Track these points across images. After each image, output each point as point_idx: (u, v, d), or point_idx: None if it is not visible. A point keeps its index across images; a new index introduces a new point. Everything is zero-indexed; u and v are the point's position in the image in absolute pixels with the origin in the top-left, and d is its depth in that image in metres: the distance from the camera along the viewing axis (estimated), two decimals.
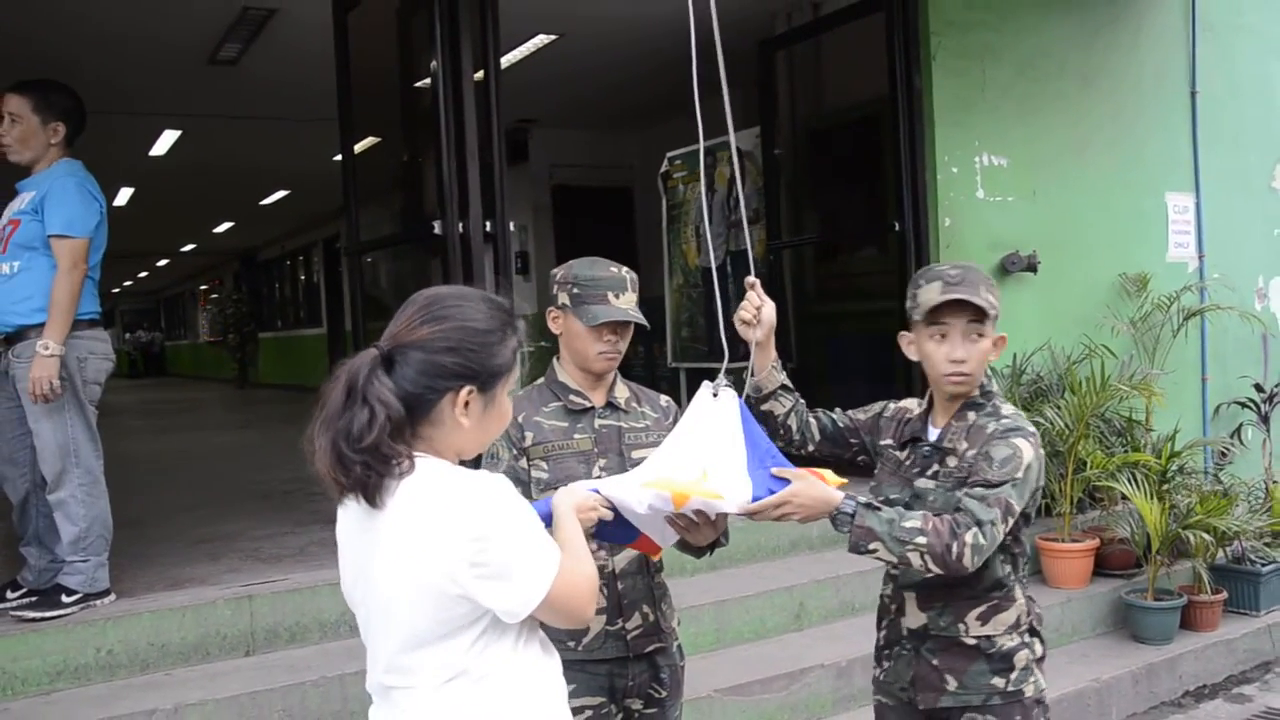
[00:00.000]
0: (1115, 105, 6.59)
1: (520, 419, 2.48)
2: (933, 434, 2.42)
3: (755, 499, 2.15)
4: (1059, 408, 5.50)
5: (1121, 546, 5.44)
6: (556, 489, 2.14)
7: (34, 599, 3.85)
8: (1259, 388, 6.78)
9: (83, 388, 3.88)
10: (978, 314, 2.31)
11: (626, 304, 2.49)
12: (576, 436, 2.52)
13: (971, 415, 2.37)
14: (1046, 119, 6.28)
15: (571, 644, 2.43)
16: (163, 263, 26.40)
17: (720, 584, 4.87)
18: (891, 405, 2.58)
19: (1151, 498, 5.21)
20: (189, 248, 21.11)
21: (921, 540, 2.14)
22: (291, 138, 10.32)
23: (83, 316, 3.90)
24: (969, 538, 2.15)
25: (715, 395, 2.25)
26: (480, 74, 4.62)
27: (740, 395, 2.31)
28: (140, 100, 8.52)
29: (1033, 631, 2.42)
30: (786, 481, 2.18)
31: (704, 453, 2.19)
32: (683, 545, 2.36)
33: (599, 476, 2.41)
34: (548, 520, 2.10)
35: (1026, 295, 6.05)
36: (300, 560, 4.67)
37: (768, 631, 4.72)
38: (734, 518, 2.28)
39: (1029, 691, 2.37)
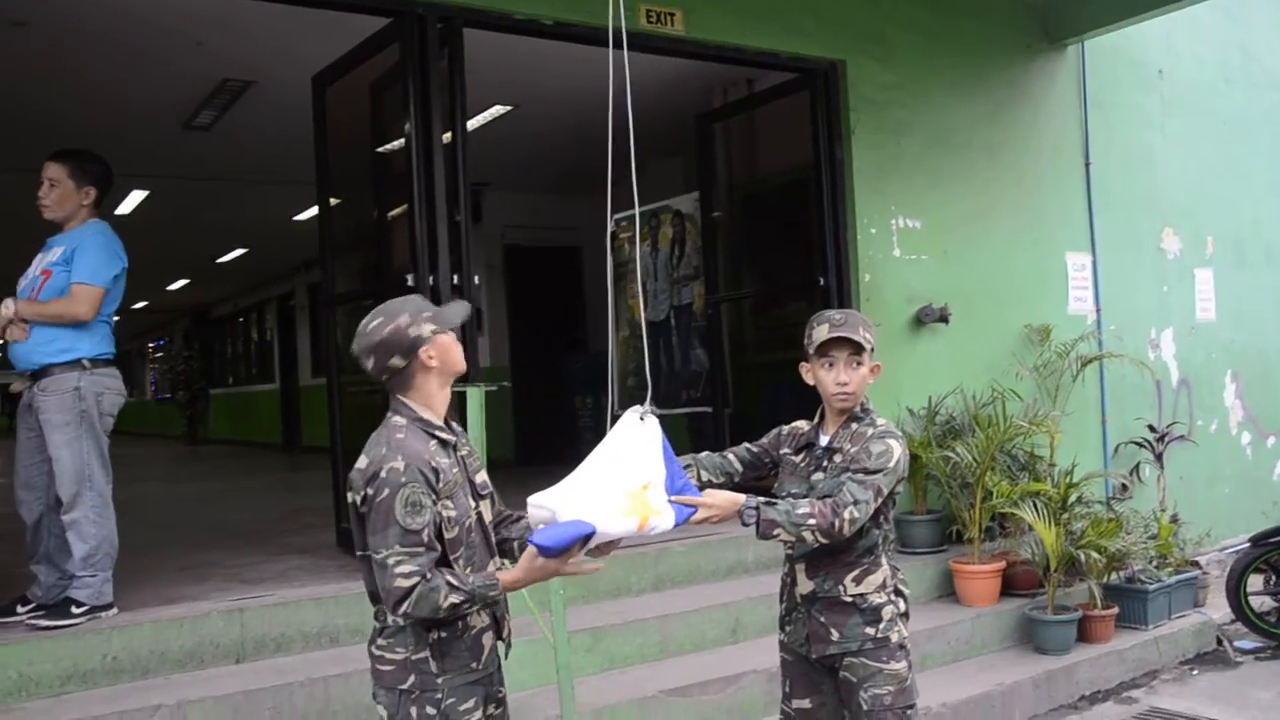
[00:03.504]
0: (1018, 174, 7.17)
1: (433, 463, 2.51)
2: (824, 440, 3.04)
3: (679, 520, 2.66)
4: (969, 444, 6.07)
5: (1025, 568, 5.97)
6: (463, 525, 2.52)
7: (44, 611, 4.25)
8: (1153, 429, 7.40)
9: (99, 419, 4.34)
10: (856, 348, 2.96)
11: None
12: (455, 470, 2.59)
13: (854, 425, 3.01)
14: (956, 186, 6.82)
15: (474, 664, 2.58)
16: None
17: (663, 602, 5.33)
18: (785, 427, 3.19)
19: (1051, 523, 5.77)
20: (140, 305, 21.25)
21: (811, 522, 2.76)
22: (254, 197, 10.72)
23: (100, 356, 4.38)
24: (847, 514, 2.78)
25: (642, 419, 2.71)
26: (449, 136, 5.06)
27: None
28: (115, 159, 8.83)
29: (897, 592, 3.02)
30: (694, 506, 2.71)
31: (642, 470, 2.65)
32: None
33: (475, 505, 2.62)
34: (557, 548, 2.55)
35: (940, 344, 6.60)
36: (282, 581, 5.05)
37: (707, 643, 5.15)
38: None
39: (894, 638, 2.97)
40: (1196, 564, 6.71)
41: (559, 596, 3.93)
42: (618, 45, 5.64)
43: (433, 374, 2.61)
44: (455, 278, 5.07)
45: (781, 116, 6.89)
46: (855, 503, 2.80)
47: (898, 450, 2.92)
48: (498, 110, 8.05)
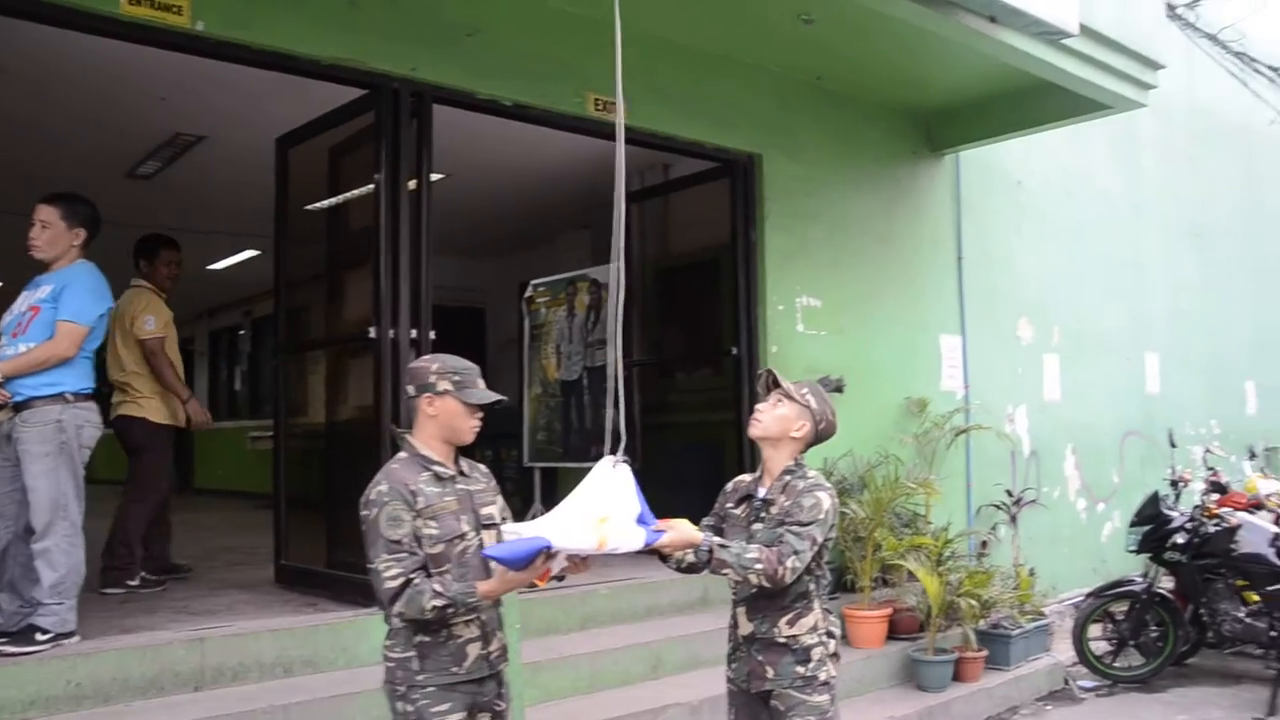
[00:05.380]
0: (903, 263, 7.57)
1: (412, 486, 2.83)
2: (761, 492, 3.20)
3: (648, 542, 2.82)
4: (861, 502, 6.35)
5: (909, 613, 6.23)
6: (449, 542, 2.82)
7: (7, 638, 4.06)
8: (1009, 493, 7.84)
9: (78, 451, 4.21)
10: (782, 392, 3.19)
11: (485, 388, 3.02)
12: (447, 499, 2.89)
13: (787, 478, 3.16)
14: (852, 271, 7.17)
15: (455, 669, 2.84)
16: None
17: (591, 640, 5.37)
18: (729, 484, 3.36)
19: (932, 574, 6.08)
20: None
21: (759, 566, 2.93)
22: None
23: (82, 391, 4.26)
24: (789, 562, 2.95)
25: (615, 466, 2.87)
26: (414, 183, 5.14)
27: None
28: None
29: (829, 634, 3.18)
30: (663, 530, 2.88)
31: (604, 505, 2.80)
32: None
33: (465, 530, 2.89)
34: (526, 559, 2.68)
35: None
36: (234, 614, 4.91)
37: (632, 679, 5.22)
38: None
39: (821, 675, 3.13)
40: (1043, 614, 7.10)
41: (515, 631, 3.98)
42: (574, 130, 5.85)
43: (431, 423, 2.95)
44: (414, 332, 5.11)
45: (699, 199, 7.16)
46: (796, 553, 2.97)
47: (826, 502, 3.09)
48: (435, 177, 8.10)
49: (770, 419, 3.19)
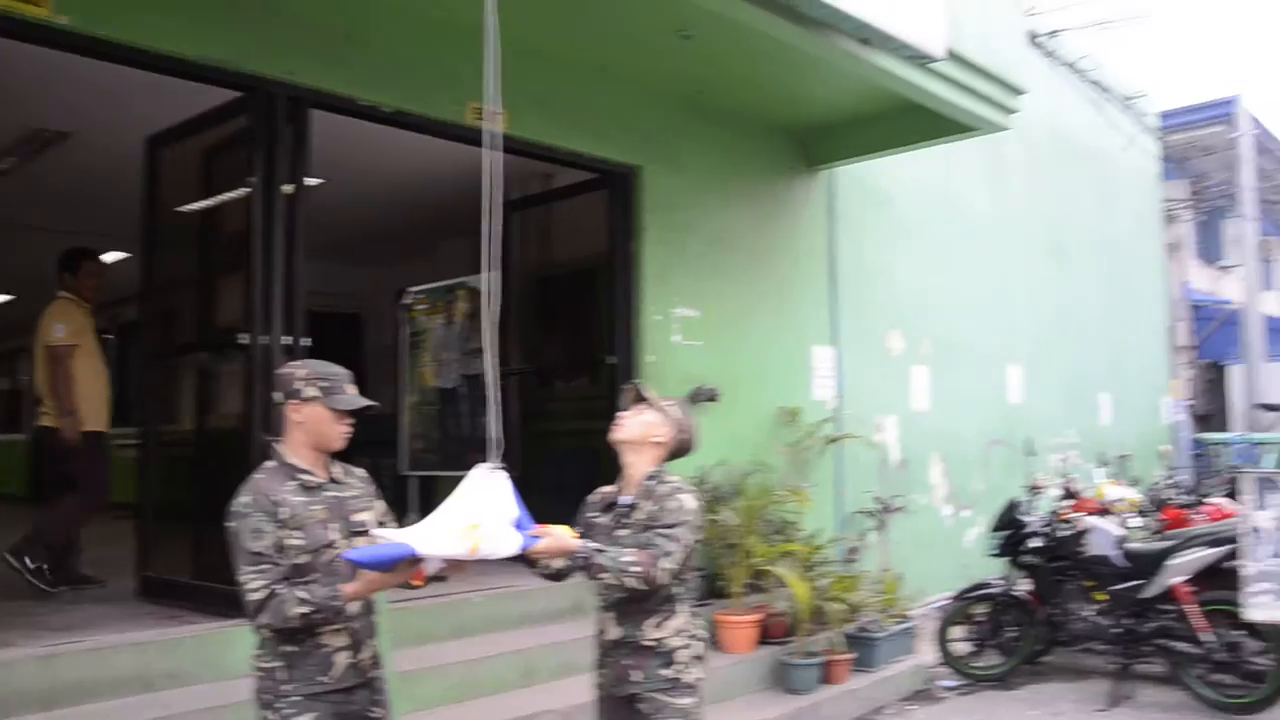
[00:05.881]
0: (779, 276, 7.77)
1: (274, 497, 2.83)
2: (625, 499, 3.30)
3: (524, 547, 2.89)
4: (733, 509, 6.50)
5: (780, 618, 6.41)
6: (316, 552, 2.82)
7: None
8: (879, 500, 8.10)
9: None
10: (642, 400, 3.33)
11: (355, 394, 3.06)
12: (314, 508, 2.88)
13: (650, 483, 3.26)
14: (728, 283, 7.32)
15: (322, 678, 2.85)
16: None
17: (464, 649, 5.39)
18: (589, 497, 3.46)
19: (802, 579, 6.27)
20: None
21: (636, 569, 3.02)
22: (29, 245, 10.03)
23: None
24: (663, 563, 3.05)
25: (491, 473, 2.93)
26: (290, 187, 5.10)
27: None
28: None
29: (695, 637, 3.28)
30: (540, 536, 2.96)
31: (478, 512, 2.85)
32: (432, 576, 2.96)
33: (333, 539, 2.89)
34: (389, 564, 2.72)
35: (709, 420, 6.89)
36: (90, 629, 4.76)
37: (504, 687, 5.26)
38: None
39: (685, 678, 3.22)
40: (909, 616, 7.37)
41: (385, 638, 3.98)
42: (454, 139, 5.85)
43: (299, 430, 2.95)
44: (287, 338, 5.05)
45: (579, 210, 7.22)
46: (668, 554, 3.06)
47: (691, 503, 3.20)
48: (313, 181, 7.98)
49: (633, 423, 3.30)
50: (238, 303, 5.12)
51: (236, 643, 4.62)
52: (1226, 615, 6.05)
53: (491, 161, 3.16)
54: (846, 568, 7.03)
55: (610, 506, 3.34)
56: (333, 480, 3.00)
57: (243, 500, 2.84)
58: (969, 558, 9.20)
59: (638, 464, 3.29)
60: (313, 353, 5.14)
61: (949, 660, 7.10)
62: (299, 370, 2.98)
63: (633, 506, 3.25)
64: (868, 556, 7.50)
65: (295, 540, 2.82)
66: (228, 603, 4.60)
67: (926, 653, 7.17)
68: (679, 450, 3.36)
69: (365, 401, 3.01)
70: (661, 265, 6.86)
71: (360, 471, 3.14)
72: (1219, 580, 6.11)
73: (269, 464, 2.95)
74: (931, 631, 7.28)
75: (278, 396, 2.95)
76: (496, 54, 3.22)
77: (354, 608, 2.91)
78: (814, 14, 5.53)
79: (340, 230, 9.66)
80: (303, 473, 2.92)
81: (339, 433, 2.97)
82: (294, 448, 2.95)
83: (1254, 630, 6.05)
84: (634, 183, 6.80)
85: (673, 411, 3.33)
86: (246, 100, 5.05)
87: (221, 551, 4.86)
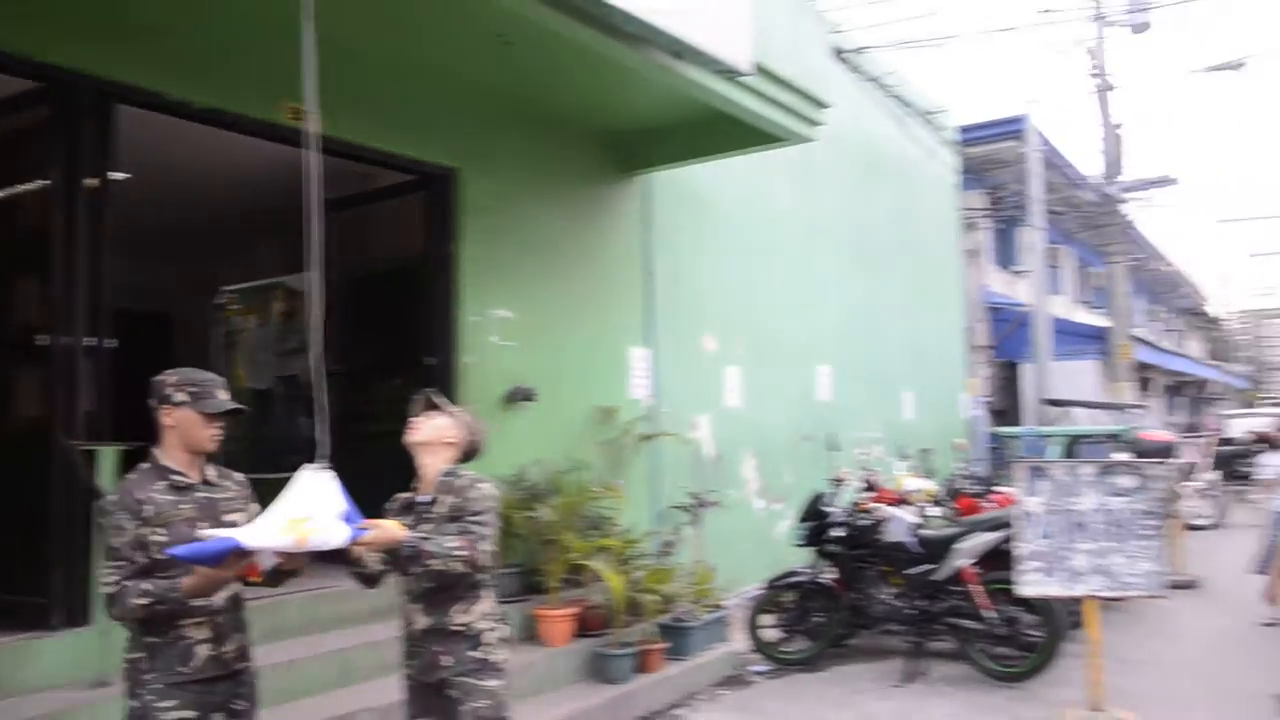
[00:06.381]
0: (597, 278, 7.99)
1: (139, 496, 3.00)
2: (424, 497, 3.53)
3: (352, 538, 3.05)
4: (551, 506, 6.69)
5: (597, 611, 6.62)
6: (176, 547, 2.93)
7: None
8: (693, 495, 8.42)
9: None
10: (434, 407, 3.59)
11: (226, 399, 3.22)
12: (183, 507, 3.05)
13: (447, 479, 3.51)
14: (545, 284, 7.49)
15: (181, 668, 3.00)
16: None
17: (280, 652, 5.35)
18: (388, 504, 3.64)
19: (617, 573, 6.52)
20: None
21: (461, 553, 3.26)
22: None
23: None
24: (482, 545, 3.31)
25: (317, 472, 3.10)
26: (94, 182, 5.00)
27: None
28: None
29: (499, 619, 3.53)
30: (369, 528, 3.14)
31: (306, 508, 3.00)
32: (271, 576, 3.10)
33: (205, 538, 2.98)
34: (214, 557, 2.83)
35: (526, 420, 7.18)
36: None
37: (321, 688, 5.31)
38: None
39: (494, 659, 3.47)
40: (722, 606, 7.73)
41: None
42: (269, 138, 5.83)
43: (171, 434, 3.13)
44: (92, 340, 4.94)
45: (398, 211, 7.25)
46: (484, 537, 3.33)
47: (491, 490, 3.49)
48: (118, 176, 7.73)
49: (427, 426, 3.55)
50: (37, 302, 4.97)
51: (33, 657, 4.54)
52: (1006, 593, 6.63)
53: (311, 162, 3.27)
54: (661, 561, 7.30)
55: (410, 506, 3.55)
56: (206, 482, 3.16)
57: (110, 499, 3.05)
58: (780, 548, 9.65)
59: (433, 464, 3.54)
60: (122, 354, 5.07)
61: (759, 646, 7.49)
62: (170, 378, 3.14)
63: (433, 502, 3.47)
64: (683, 549, 7.78)
65: (158, 537, 2.98)
66: (14, 616, 4.53)
67: (739, 640, 7.53)
68: (470, 451, 3.62)
69: (231, 405, 3.17)
70: (480, 267, 6.97)
71: (238, 476, 3.31)
72: (1001, 562, 6.68)
73: (143, 465, 3.12)
74: (743, 620, 7.65)
75: (151, 403, 3.12)
76: (314, 53, 3.32)
77: (218, 601, 3.07)
78: (628, 28, 5.77)
79: (152, 228, 9.36)
80: (174, 474, 3.10)
81: (208, 435, 3.14)
82: (168, 450, 3.13)
83: (1029, 605, 6.65)
84: (453, 185, 6.89)
85: (463, 416, 3.57)
86: (46, 91, 4.92)
87: (13, 561, 4.75)
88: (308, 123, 3.33)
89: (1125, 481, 6.12)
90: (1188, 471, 14.91)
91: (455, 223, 6.90)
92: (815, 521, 7.67)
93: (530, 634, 6.52)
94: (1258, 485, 10.27)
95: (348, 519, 3.08)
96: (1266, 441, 8.89)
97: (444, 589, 3.38)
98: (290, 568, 3.06)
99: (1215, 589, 10.30)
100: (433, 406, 3.61)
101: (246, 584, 3.12)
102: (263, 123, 5.76)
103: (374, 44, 6.10)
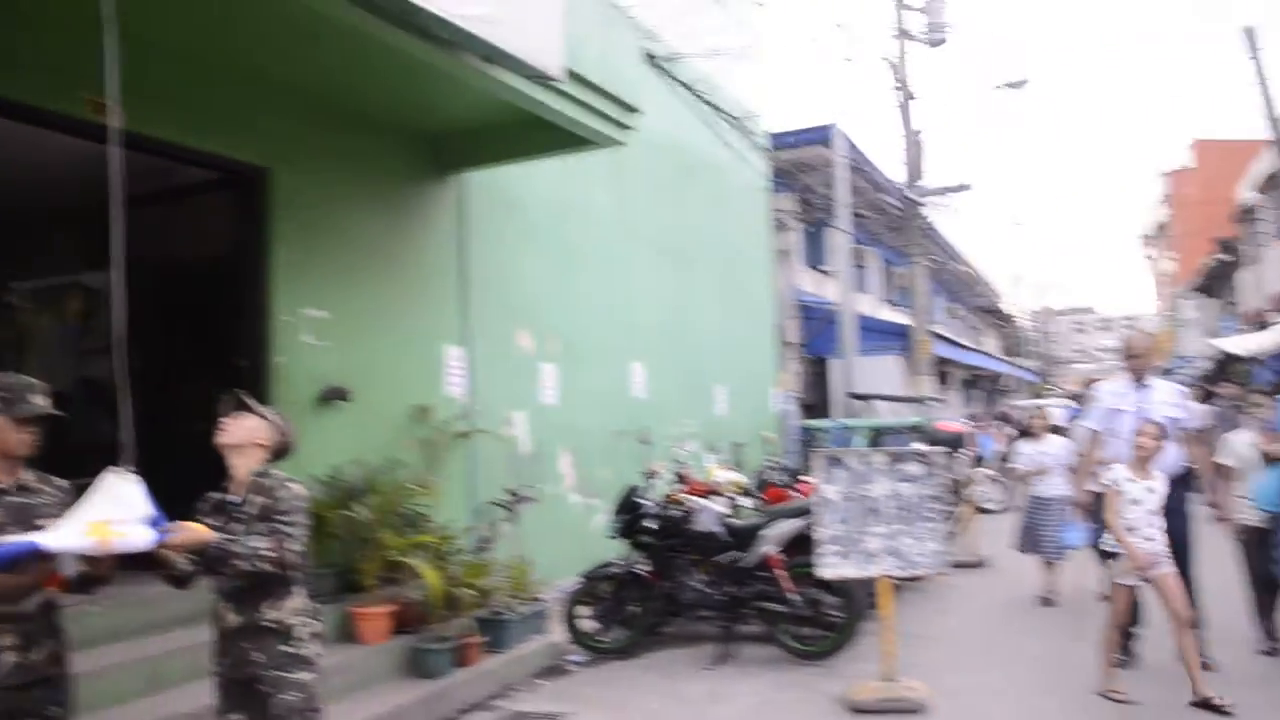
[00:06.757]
0: (411, 277, 8.03)
1: None
2: (234, 498, 3.63)
3: (157, 540, 3.12)
4: (366, 505, 6.75)
5: (415, 608, 6.69)
6: None
7: None
8: (510, 491, 8.58)
9: None
10: (243, 408, 3.70)
11: (45, 403, 3.26)
12: None
13: (258, 479, 3.63)
14: (359, 284, 7.49)
15: None
16: None
17: (85, 661, 5.18)
18: (199, 504, 3.73)
19: (434, 569, 6.63)
20: None
21: (270, 554, 3.37)
22: None
23: None
24: (290, 545, 3.42)
25: (120, 476, 3.16)
26: None
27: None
28: None
29: (311, 614, 3.63)
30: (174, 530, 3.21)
31: (108, 511, 3.07)
32: (80, 584, 3.15)
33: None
34: (11, 560, 2.85)
35: (341, 419, 7.17)
36: None
37: (129, 696, 5.24)
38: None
39: (305, 653, 3.59)
40: (540, 599, 7.92)
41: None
42: (68, 132, 5.67)
43: None
44: None
45: (207, 209, 7.14)
46: (292, 537, 3.45)
47: (300, 490, 3.62)
48: None
49: (237, 427, 3.65)
50: None
51: None
52: (809, 577, 7.06)
53: (113, 157, 3.28)
54: (479, 556, 7.44)
55: (221, 507, 3.63)
56: (21, 487, 3.16)
57: None
58: (597, 542, 9.90)
59: (243, 465, 3.63)
60: None
61: (577, 637, 7.72)
62: None
63: (243, 503, 3.56)
64: (501, 545, 7.94)
65: None
66: None
67: (557, 632, 7.73)
68: (281, 452, 3.73)
69: (41, 410, 3.18)
70: (293, 266, 6.93)
71: (60, 482, 3.31)
72: (804, 547, 7.09)
73: None
74: (561, 612, 7.86)
75: None
76: (116, 45, 3.33)
77: (28, 607, 3.06)
78: (441, 32, 5.88)
79: None
80: None
81: (19, 440, 3.16)
82: None
83: (831, 587, 7.12)
84: (264, 183, 6.83)
85: (273, 416, 3.66)
86: None
87: None
88: (110, 117, 3.34)
89: (913, 469, 6.64)
90: (978, 459, 15.98)
91: (267, 222, 6.84)
92: (629, 514, 7.96)
93: (347, 633, 6.54)
94: (1014, 473, 11.08)
95: (153, 522, 3.13)
96: (1024, 432, 9.68)
97: (255, 587, 3.46)
98: (99, 574, 3.08)
99: (1001, 567, 11.15)
100: (243, 408, 3.67)
101: (57, 593, 3.11)
102: (61, 115, 5.61)
103: (182, 39, 6.01)
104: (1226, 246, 31.81)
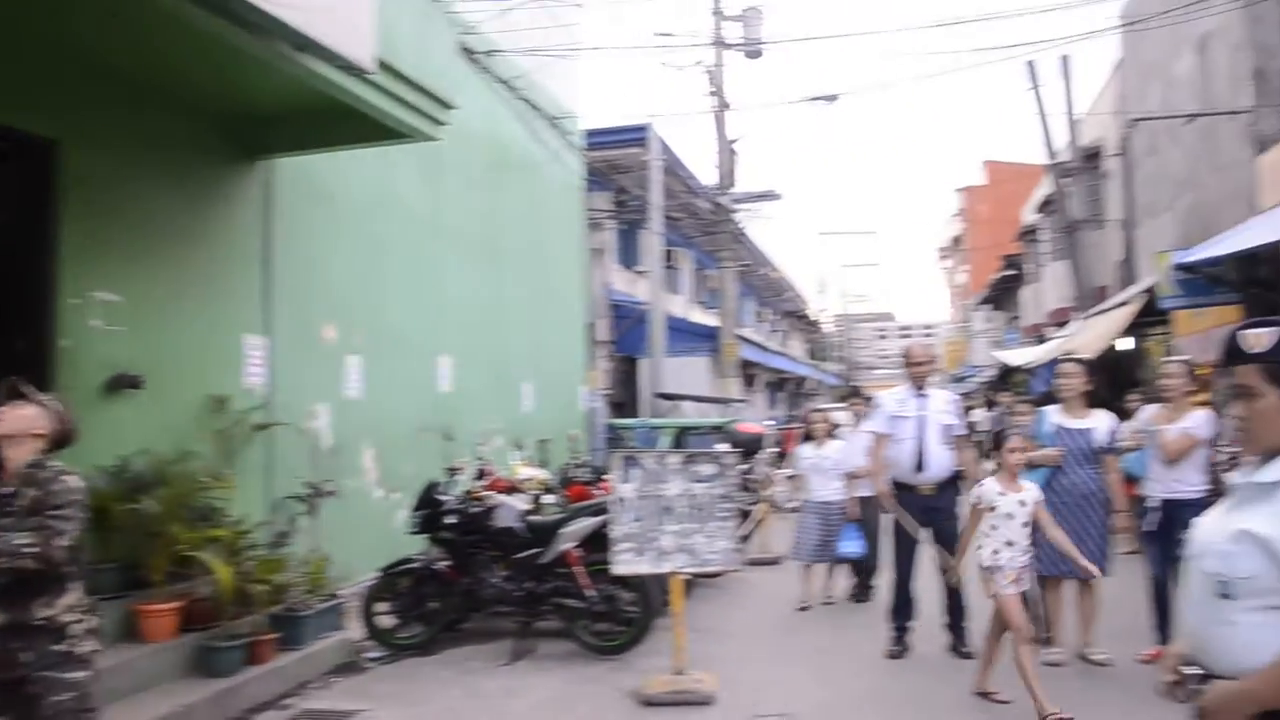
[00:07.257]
0: (211, 263, 7.82)
1: None
2: (5, 490, 3.54)
3: None
4: (156, 498, 6.56)
5: (205, 604, 6.57)
6: None
7: None
8: (311, 485, 8.48)
9: None
10: (19, 395, 3.63)
11: None
12: None
13: (32, 471, 3.55)
14: (156, 267, 7.26)
15: None
16: None
17: None
18: None
19: (226, 564, 6.52)
20: None
21: (32, 550, 3.32)
22: None
23: None
24: (58, 541, 3.36)
25: None
26: None
27: None
28: None
29: (86, 610, 3.58)
30: None
31: None
32: None
33: None
34: None
35: (131, 408, 6.93)
36: None
37: None
38: None
39: (78, 651, 3.53)
40: (338, 595, 7.87)
41: None
42: None
43: None
44: None
45: None
46: (61, 533, 3.38)
47: (76, 483, 3.55)
48: None
49: (12, 417, 3.54)
50: None
51: None
52: (606, 573, 7.28)
53: None
54: (275, 551, 7.34)
55: None
56: None
57: None
58: (399, 537, 9.88)
59: (18, 455, 3.54)
60: None
61: (374, 633, 7.73)
62: None
63: (14, 495, 3.46)
64: (300, 540, 7.85)
65: None
66: None
67: (355, 628, 7.72)
68: (60, 442, 3.64)
69: None
70: (82, 246, 6.66)
71: None
72: (603, 544, 7.31)
73: None
74: (360, 608, 7.84)
75: None
76: None
77: None
78: (250, 17, 5.80)
79: None
80: None
81: None
82: None
83: (627, 584, 7.37)
84: (51, 157, 6.53)
85: (52, 405, 3.59)
86: None
87: None
88: None
89: (706, 469, 6.96)
90: (778, 459, 16.66)
91: (54, 197, 6.54)
92: (429, 509, 8.01)
93: (131, 631, 6.36)
94: (794, 475, 11.21)
95: None
96: (807, 435, 10.08)
97: (23, 584, 3.38)
98: None
99: (794, 565, 11.68)
100: (19, 395, 3.58)
101: None
102: None
103: None
104: (1011, 263, 34.22)
